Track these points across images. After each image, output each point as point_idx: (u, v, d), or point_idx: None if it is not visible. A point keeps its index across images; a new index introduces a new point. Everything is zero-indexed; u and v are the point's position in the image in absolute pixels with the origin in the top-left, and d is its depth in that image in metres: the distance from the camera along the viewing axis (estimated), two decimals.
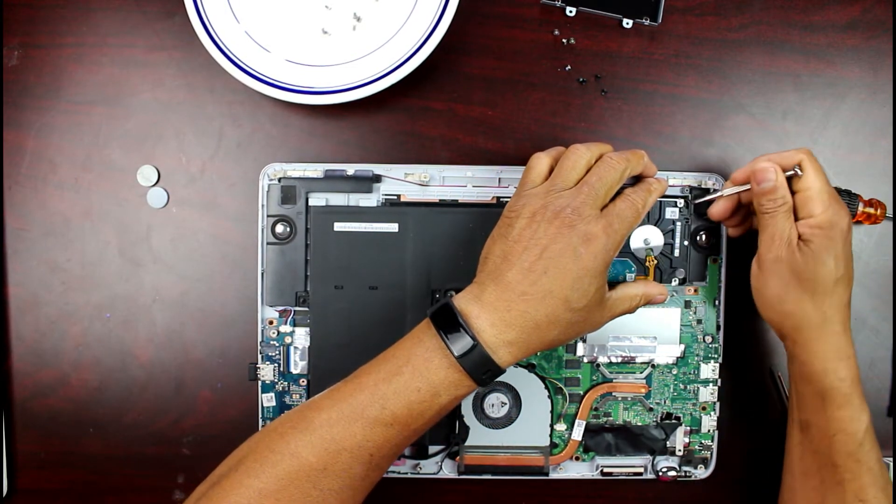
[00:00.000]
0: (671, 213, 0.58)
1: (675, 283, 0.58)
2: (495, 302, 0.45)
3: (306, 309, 0.58)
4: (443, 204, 0.58)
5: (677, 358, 0.59)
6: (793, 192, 0.51)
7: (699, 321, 0.59)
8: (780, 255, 0.50)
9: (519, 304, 0.45)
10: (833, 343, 0.50)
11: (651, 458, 0.59)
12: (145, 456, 0.60)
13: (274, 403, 0.58)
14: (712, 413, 0.59)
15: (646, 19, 0.59)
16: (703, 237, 0.58)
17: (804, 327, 0.51)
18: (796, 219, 0.51)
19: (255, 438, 0.47)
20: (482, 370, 0.45)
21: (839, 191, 0.58)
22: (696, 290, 0.59)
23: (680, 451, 0.59)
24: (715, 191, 0.57)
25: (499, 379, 0.58)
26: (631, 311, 0.51)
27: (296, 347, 0.58)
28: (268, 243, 0.57)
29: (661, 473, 0.59)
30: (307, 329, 0.58)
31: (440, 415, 0.46)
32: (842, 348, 0.50)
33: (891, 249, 0.61)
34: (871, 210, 0.58)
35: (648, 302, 0.52)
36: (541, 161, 0.49)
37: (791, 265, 0.50)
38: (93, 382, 0.60)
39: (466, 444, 0.58)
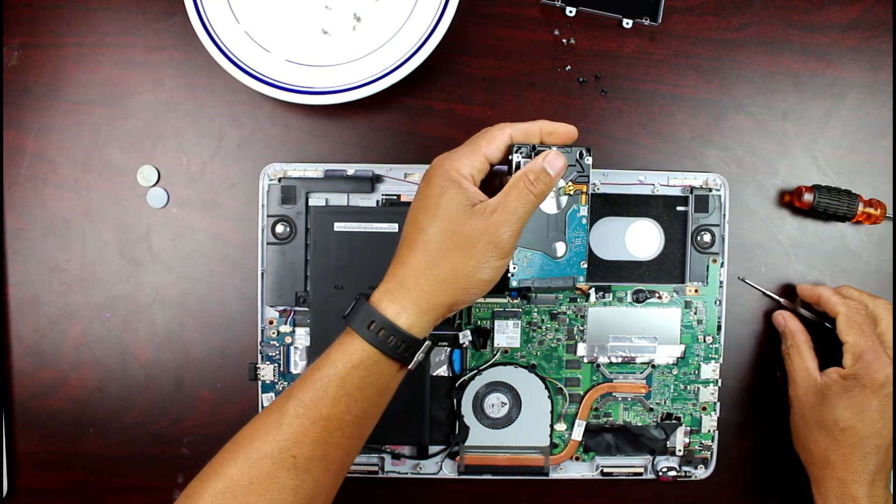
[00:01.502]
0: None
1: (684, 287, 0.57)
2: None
3: (306, 309, 0.58)
4: None
5: (677, 358, 0.59)
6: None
7: (699, 321, 0.59)
8: (794, 392, 0.55)
9: (394, 262, 0.45)
10: (834, 490, 0.51)
11: (651, 458, 0.59)
12: (145, 456, 0.60)
13: None
14: (712, 413, 0.59)
15: (646, 19, 0.59)
16: (704, 237, 0.58)
17: (810, 464, 0.54)
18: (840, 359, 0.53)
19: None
20: (365, 322, 0.43)
21: (839, 191, 0.58)
22: (696, 290, 0.59)
23: (680, 451, 0.59)
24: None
25: (499, 379, 0.58)
26: (534, 195, 0.45)
27: (296, 347, 0.58)
28: (268, 243, 0.57)
29: (661, 473, 0.59)
30: (307, 329, 0.58)
31: (349, 394, 0.43)
32: (844, 498, 0.51)
33: (891, 249, 0.61)
34: (871, 210, 0.58)
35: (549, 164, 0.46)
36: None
37: (802, 404, 0.54)
38: (93, 382, 0.60)
39: (466, 444, 0.58)
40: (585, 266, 0.49)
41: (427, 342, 0.45)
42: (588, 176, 0.48)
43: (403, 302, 0.43)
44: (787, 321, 0.57)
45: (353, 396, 0.43)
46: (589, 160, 0.48)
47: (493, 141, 0.45)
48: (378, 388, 0.44)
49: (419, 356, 0.44)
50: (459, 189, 0.44)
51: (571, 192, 0.48)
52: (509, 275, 0.47)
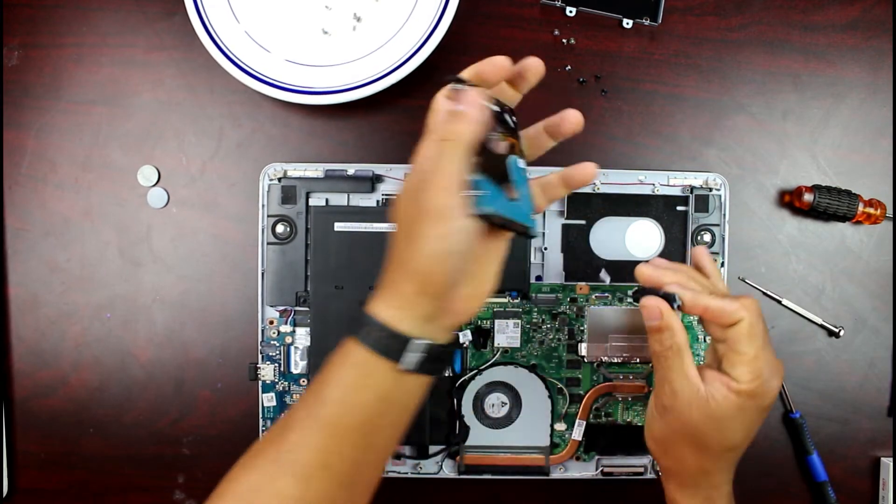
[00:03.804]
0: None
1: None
2: None
3: (306, 309, 0.58)
4: None
5: None
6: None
7: (699, 321, 0.59)
8: (670, 405, 0.45)
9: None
10: (703, 493, 0.47)
11: (651, 457, 0.59)
12: (145, 456, 0.60)
13: (274, 403, 0.58)
14: None
15: (646, 19, 0.59)
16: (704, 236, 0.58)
17: (681, 475, 0.47)
18: (719, 366, 0.44)
19: None
20: (357, 323, 0.42)
21: (839, 191, 0.58)
22: None
23: None
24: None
25: (499, 379, 0.58)
26: (455, 138, 0.41)
27: (296, 347, 0.58)
28: (268, 243, 0.57)
29: (661, 473, 0.59)
30: (307, 329, 0.58)
31: (343, 397, 0.42)
32: (714, 500, 0.47)
33: (891, 249, 0.61)
34: (871, 210, 0.58)
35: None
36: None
37: (682, 420, 0.44)
38: (93, 382, 0.60)
39: (466, 444, 0.58)
40: (535, 219, 0.46)
41: (417, 341, 0.42)
42: (516, 131, 0.44)
43: (388, 299, 0.42)
44: (664, 314, 0.44)
45: (350, 401, 0.42)
46: (513, 119, 0.43)
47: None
48: (376, 392, 0.42)
49: (410, 355, 0.42)
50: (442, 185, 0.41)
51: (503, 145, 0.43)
52: (473, 202, 0.41)
